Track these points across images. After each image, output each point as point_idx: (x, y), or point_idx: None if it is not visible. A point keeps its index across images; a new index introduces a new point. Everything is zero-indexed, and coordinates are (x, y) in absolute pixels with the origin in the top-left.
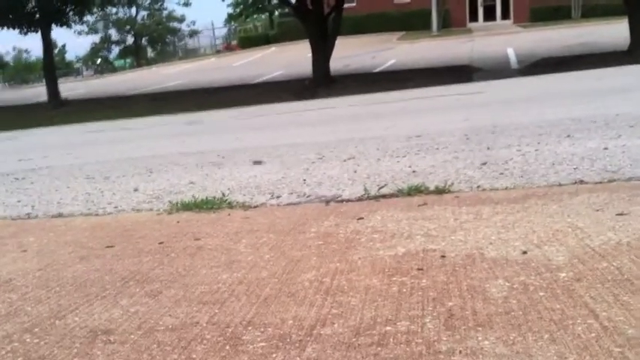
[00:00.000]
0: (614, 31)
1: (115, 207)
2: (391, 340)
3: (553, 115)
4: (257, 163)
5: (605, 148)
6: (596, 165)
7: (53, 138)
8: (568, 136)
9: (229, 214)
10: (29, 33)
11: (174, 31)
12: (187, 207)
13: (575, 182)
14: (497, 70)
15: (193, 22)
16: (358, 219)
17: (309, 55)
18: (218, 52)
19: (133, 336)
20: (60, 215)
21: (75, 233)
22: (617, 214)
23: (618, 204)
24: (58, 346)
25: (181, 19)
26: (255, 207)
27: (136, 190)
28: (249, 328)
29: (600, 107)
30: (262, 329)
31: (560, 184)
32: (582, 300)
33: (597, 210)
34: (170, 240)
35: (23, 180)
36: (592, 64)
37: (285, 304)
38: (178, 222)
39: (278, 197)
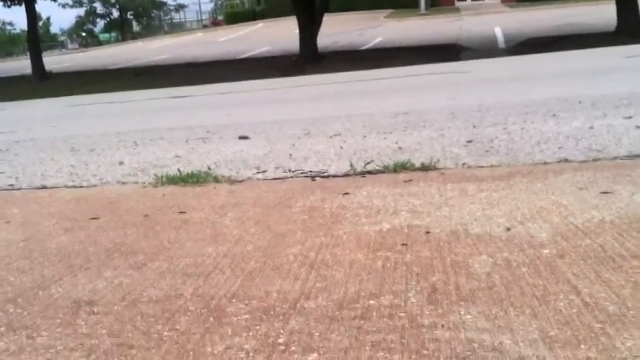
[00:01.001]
0: (601, 13)
1: (100, 179)
2: (374, 313)
3: (539, 95)
4: (243, 138)
5: (591, 128)
6: (581, 144)
7: (37, 111)
8: (554, 115)
9: (215, 188)
10: (13, 5)
11: (160, 6)
12: (173, 180)
13: (560, 161)
14: (484, 50)
15: None
16: (344, 194)
17: (297, 31)
18: (204, 27)
19: (116, 307)
20: (44, 187)
21: (59, 205)
22: (601, 193)
23: (602, 182)
24: (41, 316)
25: None
26: (240, 181)
27: (121, 163)
28: (234, 300)
29: (586, 87)
30: (246, 302)
31: (545, 163)
32: (564, 276)
33: (581, 188)
34: (155, 213)
35: (7, 152)
36: (579, 45)
37: (270, 277)
38: (164, 195)
39: (264, 172)
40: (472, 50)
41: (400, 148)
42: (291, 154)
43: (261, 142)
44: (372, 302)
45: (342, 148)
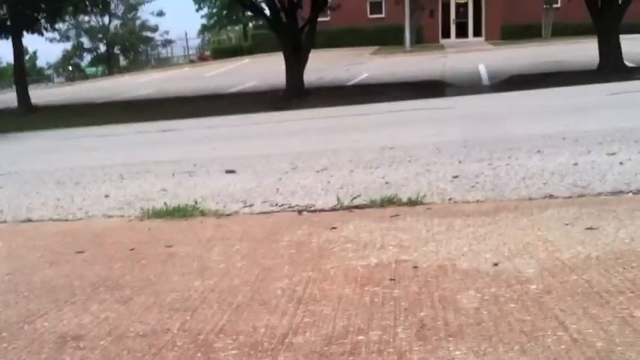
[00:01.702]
0: (583, 51)
1: (86, 213)
2: (363, 349)
3: (523, 131)
4: (230, 172)
5: (575, 164)
6: (565, 180)
7: (23, 144)
8: (538, 151)
9: (202, 222)
10: (0, 39)
11: (148, 41)
12: (159, 214)
13: (546, 196)
14: (468, 86)
15: (167, 32)
16: (331, 228)
17: (283, 67)
18: (191, 61)
19: (102, 342)
20: (29, 220)
21: (44, 238)
22: (586, 229)
23: (587, 218)
24: (26, 351)
25: (154, 29)
26: (227, 215)
27: (107, 196)
28: (221, 335)
29: (570, 124)
30: (234, 337)
31: (530, 198)
32: (552, 312)
33: (567, 224)
34: (141, 246)
35: None
36: (562, 82)
37: (258, 312)
38: (150, 229)
39: (251, 206)
40: (456, 87)
41: (387, 182)
42: (278, 189)
43: (248, 176)
44: (360, 338)
45: (329, 182)
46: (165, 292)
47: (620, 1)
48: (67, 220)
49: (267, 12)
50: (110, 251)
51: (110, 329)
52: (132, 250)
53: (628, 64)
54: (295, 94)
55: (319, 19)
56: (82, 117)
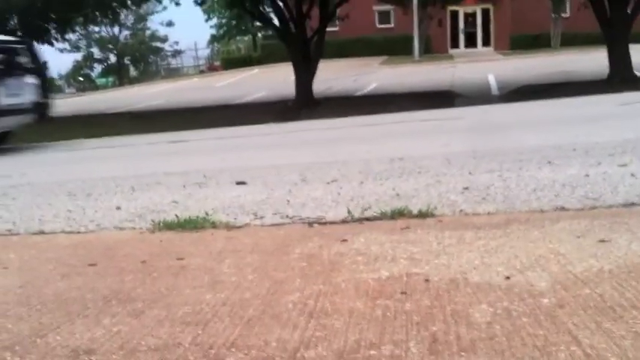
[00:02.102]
0: (593, 60)
1: (97, 225)
2: None
3: (533, 142)
4: (240, 183)
5: (586, 175)
6: (577, 192)
7: (33, 155)
8: (549, 162)
9: (212, 234)
10: None
11: (157, 51)
12: (170, 226)
13: (557, 209)
14: (478, 96)
15: (177, 43)
16: (342, 241)
17: (292, 77)
18: (201, 72)
19: (115, 356)
20: (41, 232)
21: (56, 250)
22: (598, 241)
23: (600, 231)
24: None
25: (164, 39)
26: (238, 227)
27: (118, 208)
28: (233, 349)
29: (580, 135)
30: (246, 351)
31: (541, 210)
32: (565, 326)
33: (579, 237)
34: (153, 259)
35: (4, 196)
36: (571, 93)
37: (269, 325)
38: (161, 241)
39: (262, 218)
40: (466, 97)
41: (397, 194)
42: (288, 200)
43: (258, 188)
44: (372, 352)
45: (339, 194)
46: (177, 305)
47: (629, 10)
48: (78, 233)
49: (276, 22)
50: (122, 264)
51: (122, 343)
52: (143, 262)
53: (638, 73)
54: (304, 105)
55: (328, 29)
56: (92, 128)
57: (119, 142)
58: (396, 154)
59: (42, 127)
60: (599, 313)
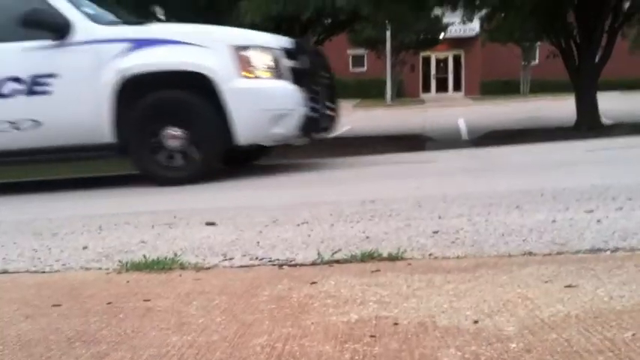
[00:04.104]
0: (561, 107)
1: (63, 265)
2: None
3: (502, 187)
4: (210, 224)
5: (554, 221)
6: (544, 237)
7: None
8: (517, 207)
9: (181, 275)
10: None
11: None
12: (138, 267)
13: (525, 253)
14: (448, 141)
15: None
16: (311, 283)
17: None
18: None
19: None
20: (5, 272)
21: (20, 290)
22: (565, 286)
23: (566, 276)
24: None
25: None
26: (207, 268)
27: (85, 247)
28: None
29: (548, 180)
30: None
31: (509, 255)
32: None
33: (546, 281)
34: (119, 300)
35: None
36: (540, 138)
37: None
38: (128, 282)
39: (231, 259)
40: (437, 141)
41: (367, 237)
42: (258, 242)
43: (228, 229)
44: None
45: (309, 236)
46: (143, 347)
47: (597, 60)
48: (43, 272)
49: None
50: (87, 305)
51: None
52: (109, 303)
53: (605, 120)
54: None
55: None
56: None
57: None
58: (367, 196)
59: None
60: (566, 358)
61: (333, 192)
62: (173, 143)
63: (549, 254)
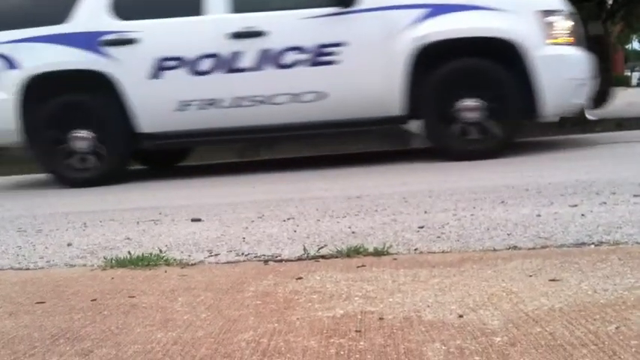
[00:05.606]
0: None
1: (47, 262)
2: None
3: (488, 182)
4: (196, 220)
5: (538, 215)
6: (529, 231)
7: None
8: (502, 202)
9: (166, 272)
10: None
11: None
12: (122, 263)
13: (510, 248)
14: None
15: None
16: (297, 279)
17: None
18: None
19: None
20: None
21: (4, 288)
22: (549, 280)
23: (551, 270)
24: None
25: None
26: (192, 265)
27: (69, 244)
28: None
29: (533, 175)
30: None
31: (494, 249)
32: None
33: (530, 275)
34: (103, 297)
35: None
36: (525, 134)
37: None
38: (113, 278)
39: (216, 255)
40: (422, 137)
41: (353, 232)
42: (244, 238)
43: (214, 225)
44: None
45: (295, 231)
46: (127, 344)
47: None
48: (27, 269)
49: None
50: (71, 302)
51: None
52: (94, 300)
53: (589, 117)
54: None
55: None
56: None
57: None
58: (354, 192)
59: None
60: (550, 351)
61: (318, 187)
62: (469, 115)
63: (534, 248)
